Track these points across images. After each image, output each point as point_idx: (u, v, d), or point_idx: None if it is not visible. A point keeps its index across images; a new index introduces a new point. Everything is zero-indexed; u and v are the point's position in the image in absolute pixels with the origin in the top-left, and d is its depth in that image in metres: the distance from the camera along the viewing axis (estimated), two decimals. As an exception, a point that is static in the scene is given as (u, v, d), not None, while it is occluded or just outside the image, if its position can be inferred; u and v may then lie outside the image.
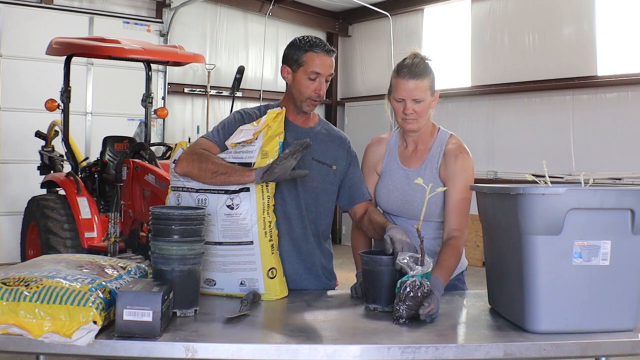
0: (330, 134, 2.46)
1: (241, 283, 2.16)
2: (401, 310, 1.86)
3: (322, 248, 2.44)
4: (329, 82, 2.34)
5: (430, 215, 2.29)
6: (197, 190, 2.18)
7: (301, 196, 2.32)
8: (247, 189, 2.13)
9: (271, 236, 2.15)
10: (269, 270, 2.15)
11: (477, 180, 2.39)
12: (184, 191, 2.21)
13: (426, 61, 2.30)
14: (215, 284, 2.18)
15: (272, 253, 2.16)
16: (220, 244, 2.14)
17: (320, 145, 2.38)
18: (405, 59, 2.31)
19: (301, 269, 2.34)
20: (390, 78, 2.35)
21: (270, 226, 2.15)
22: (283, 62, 2.35)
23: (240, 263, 2.14)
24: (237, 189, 2.13)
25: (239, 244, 2.13)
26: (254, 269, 2.13)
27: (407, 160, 2.42)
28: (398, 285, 1.90)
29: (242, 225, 2.11)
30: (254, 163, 2.15)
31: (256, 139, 2.19)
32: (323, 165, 2.37)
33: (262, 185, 2.12)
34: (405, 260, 1.91)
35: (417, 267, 1.89)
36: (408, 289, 1.87)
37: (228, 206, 2.12)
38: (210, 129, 2.42)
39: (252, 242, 2.12)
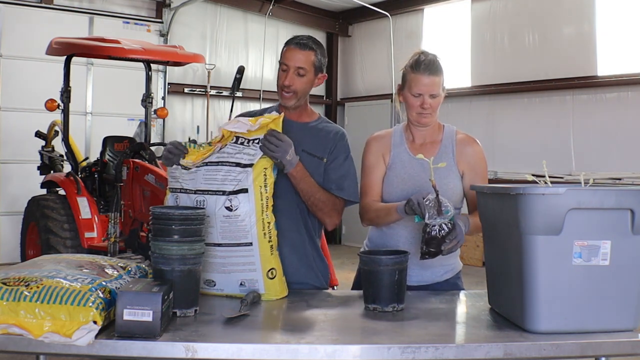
0: (324, 129, 2.47)
1: (241, 284, 2.16)
2: (424, 249, 2.11)
3: (314, 239, 2.44)
4: (302, 77, 2.38)
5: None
6: (195, 192, 2.17)
7: (292, 187, 2.31)
8: (246, 190, 2.12)
9: (270, 237, 2.15)
10: (269, 270, 2.15)
11: (477, 180, 2.42)
12: (182, 192, 2.21)
13: (437, 58, 2.40)
14: (215, 285, 2.18)
15: (272, 254, 2.15)
16: (219, 245, 2.14)
17: (312, 139, 2.40)
18: (419, 56, 2.39)
19: (294, 260, 2.32)
20: (403, 74, 2.43)
21: (269, 227, 2.14)
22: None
23: (239, 264, 2.14)
24: (235, 189, 2.13)
25: (238, 245, 2.12)
26: (254, 270, 2.13)
27: (418, 151, 2.44)
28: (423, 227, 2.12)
29: (241, 227, 2.11)
30: (255, 164, 2.15)
31: (253, 138, 2.20)
32: (313, 158, 2.37)
33: (261, 187, 2.13)
34: (428, 202, 2.09)
35: (435, 216, 2.09)
36: (429, 231, 2.10)
37: (227, 207, 2.12)
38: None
39: (251, 244, 2.12)
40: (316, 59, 2.40)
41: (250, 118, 2.25)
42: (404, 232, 2.40)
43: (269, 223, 2.14)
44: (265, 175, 2.15)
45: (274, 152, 2.14)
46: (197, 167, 2.20)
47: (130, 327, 1.64)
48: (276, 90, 2.46)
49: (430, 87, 2.35)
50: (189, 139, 2.32)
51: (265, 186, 2.13)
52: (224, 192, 2.13)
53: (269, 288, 2.15)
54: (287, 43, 2.43)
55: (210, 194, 2.14)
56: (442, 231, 2.10)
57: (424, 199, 2.10)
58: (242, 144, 2.21)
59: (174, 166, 2.24)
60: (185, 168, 2.21)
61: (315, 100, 10.43)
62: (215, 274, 2.17)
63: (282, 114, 2.28)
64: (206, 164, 2.20)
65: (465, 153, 2.45)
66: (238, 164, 2.16)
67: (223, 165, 2.17)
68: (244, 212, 2.11)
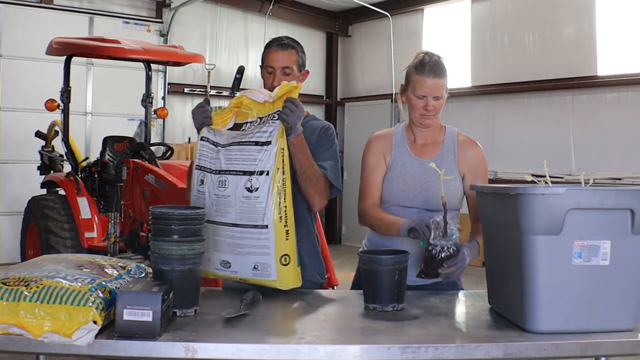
0: (312, 126, 2.49)
1: (254, 267, 2.14)
2: (422, 267, 2.11)
3: (309, 231, 2.45)
4: (289, 76, 2.45)
5: (449, 203, 2.29)
6: (220, 172, 2.19)
7: None
8: (267, 173, 2.13)
9: (286, 221, 2.13)
10: (282, 256, 2.13)
11: (477, 180, 2.43)
12: (208, 172, 2.23)
13: (441, 59, 2.40)
14: (230, 267, 2.18)
15: (287, 239, 2.13)
16: (236, 225, 2.14)
17: None
18: (424, 57, 2.39)
19: None
20: (406, 74, 2.42)
21: (285, 211, 2.13)
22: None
23: (254, 246, 2.13)
24: (256, 170, 2.14)
25: (255, 227, 2.13)
26: (267, 254, 2.12)
27: (420, 152, 2.45)
28: (425, 245, 2.13)
29: (259, 208, 2.12)
30: (273, 141, 2.15)
31: (270, 114, 2.22)
32: None
33: (279, 168, 2.13)
34: (439, 219, 2.10)
35: (440, 237, 2.09)
36: (430, 250, 2.10)
37: (247, 188, 2.13)
38: None
39: (266, 226, 2.11)
40: (298, 57, 2.48)
41: (270, 92, 2.28)
42: (404, 233, 2.40)
43: (285, 207, 2.13)
44: (282, 156, 2.15)
45: (289, 117, 2.16)
46: (222, 135, 2.25)
47: (130, 327, 1.64)
48: None
49: (435, 90, 2.35)
50: (206, 100, 2.38)
51: (283, 168, 2.13)
52: (244, 173, 2.15)
53: (282, 275, 2.13)
54: (268, 46, 2.49)
55: (231, 174, 2.17)
56: (443, 253, 2.10)
57: (431, 221, 2.11)
58: (263, 122, 2.23)
59: (204, 143, 2.27)
60: (213, 143, 2.25)
61: (315, 100, 10.43)
62: (231, 255, 2.17)
63: (300, 84, 2.29)
64: (230, 144, 2.22)
65: (466, 155, 2.46)
66: (256, 142, 2.17)
67: (243, 145, 2.20)
68: (262, 193, 2.11)
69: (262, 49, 2.54)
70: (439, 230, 2.09)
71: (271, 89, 2.38)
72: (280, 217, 2.12)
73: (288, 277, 2.14)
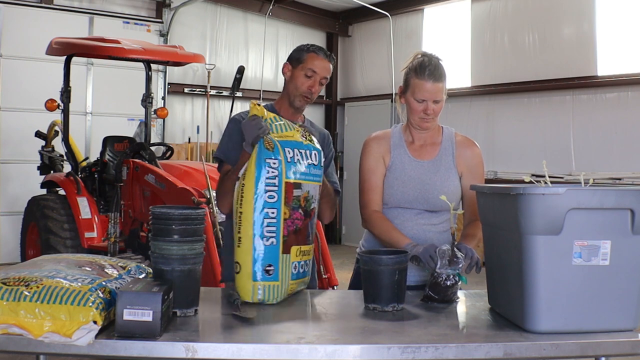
0: (317, 130, 2.54)
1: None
2: (427, 291, 2.15)
3: None
4: (322, 86, 2.50)
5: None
6: None
7: None
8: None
9: (239, 228, 2.09)
10: (234, 263, 2.11)
11: (477, 180, 2.43)
12: None
13: (440, 62, 2.39)
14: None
15: (238, 246, 2.09)
16: None
17: None
18: (423, 59, 2.38)
19: None
20: (405, 77, 2.41)
21: (240, 217, 2.09)
22: (287, 61, 2.55)
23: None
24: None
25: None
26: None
27: (418, 153, 2.46)
28: (430, 272, 2.16)
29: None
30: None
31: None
32: None
33: (241, 173, 2.14)
34: (445, 249, 2.11)
35: (445, 266, 2.11)
36: (436, 276, 2.12)
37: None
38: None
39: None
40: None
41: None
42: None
43: (240, 213, 2.09)
44: (248, 164, 2.13)
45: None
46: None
47: (130, 327, 1.64)
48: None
49: (434, 94, 2.35)
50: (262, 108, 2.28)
51: (244, 174, 2.12)
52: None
53: (237, 283, 2.11)
54: (314, 51, 2.47)
55: None
56: (449, 281, 2.11)
57: (437, 250, 2.11)
58: None
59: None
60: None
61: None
62: None
63: (254, 102, 2.27)
64: None
65: (464, 155, 2.47)
66: None
67: None
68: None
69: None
70: (445, 259, 2.10)
71: (306, 92, 2.46)
72: (235, 222, 2.11)
73: (242, 287, 2.09)
